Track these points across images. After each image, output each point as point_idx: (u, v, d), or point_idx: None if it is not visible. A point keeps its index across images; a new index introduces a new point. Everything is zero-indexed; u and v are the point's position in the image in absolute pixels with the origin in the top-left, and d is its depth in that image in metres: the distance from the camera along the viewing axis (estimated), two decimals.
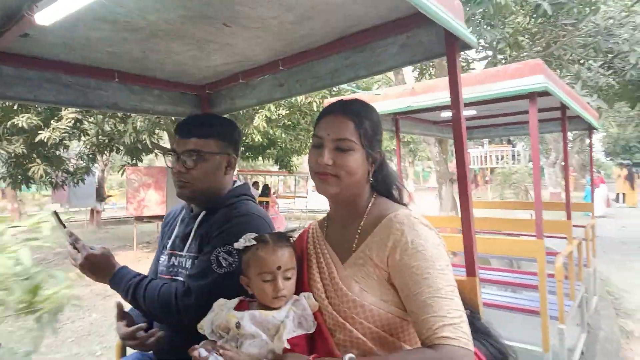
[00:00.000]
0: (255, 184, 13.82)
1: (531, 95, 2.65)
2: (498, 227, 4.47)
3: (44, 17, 1.09)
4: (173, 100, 1.99)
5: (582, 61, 6.19)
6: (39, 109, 7.40)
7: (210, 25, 1.36)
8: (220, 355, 0.99)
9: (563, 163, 15.79)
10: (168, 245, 1.55)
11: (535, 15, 5.50)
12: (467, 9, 4.88)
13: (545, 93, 2.73)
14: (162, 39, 1.44)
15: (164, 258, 1.54)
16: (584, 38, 5.68)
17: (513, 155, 18.19)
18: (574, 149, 15.67)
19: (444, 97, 2.96)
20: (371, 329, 1.04)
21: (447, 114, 3.88)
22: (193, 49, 1.55)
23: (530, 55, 6.36)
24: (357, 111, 1.15)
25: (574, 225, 3.70)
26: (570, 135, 15.23)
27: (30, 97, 1.56)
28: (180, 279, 1.44)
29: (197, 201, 1.52)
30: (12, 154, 7.63)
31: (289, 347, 1.02)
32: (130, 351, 1.61)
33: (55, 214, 1.42)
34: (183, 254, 1.46)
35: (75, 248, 1.39)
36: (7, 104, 6.83)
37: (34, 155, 7.80)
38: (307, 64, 1.69)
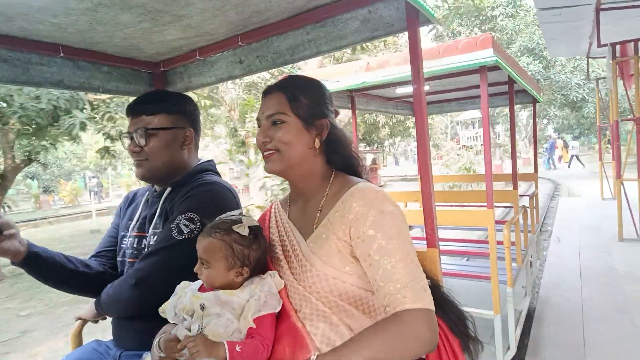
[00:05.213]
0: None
1: (482, 69, 2.71)
2: (452, 199, 4.67)
3: None
4: (124, 78, 1.86)
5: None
6: None
7: None
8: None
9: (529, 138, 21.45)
10: (132, 227, 1.51)
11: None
12: None
13: (494, 67, 2.81)
14: (111, 9, 1.33)
15: (130, 240, 1.49)
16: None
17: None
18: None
19: (399, 72, 2.98)
20: (337, 302, 1.06)
21: (401, 91, 3.93)
22: (145, 20, 1.45)
23: None
24: (288, 84, 1.18)
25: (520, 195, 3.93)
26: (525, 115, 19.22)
27: None
28: None
29: (156, 180, 1.50)
30: None
31: (254, 326, 1.03)
32: (86, 340, 1.56)
33: None
34: (148, 233, 1.43)
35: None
36: None
37: None
38: (268, 39, 1.64)
